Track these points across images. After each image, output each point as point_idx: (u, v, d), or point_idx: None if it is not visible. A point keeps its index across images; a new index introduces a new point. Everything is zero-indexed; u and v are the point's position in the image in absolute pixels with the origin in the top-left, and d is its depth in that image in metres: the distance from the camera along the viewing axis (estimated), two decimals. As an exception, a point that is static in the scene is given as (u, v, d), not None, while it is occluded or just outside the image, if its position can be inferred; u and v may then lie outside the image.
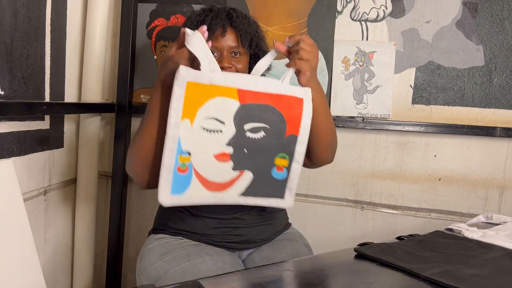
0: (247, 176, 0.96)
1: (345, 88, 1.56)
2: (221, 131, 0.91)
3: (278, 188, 0.99)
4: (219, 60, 1.07)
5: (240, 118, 0.92)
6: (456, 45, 1.51)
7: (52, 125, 1.39)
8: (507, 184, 1.53)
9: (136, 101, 1.64)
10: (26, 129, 1.25)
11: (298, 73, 0.96)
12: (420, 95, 1.54)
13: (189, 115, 0.89)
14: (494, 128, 1.48)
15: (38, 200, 1.37)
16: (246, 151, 0.94)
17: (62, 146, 1.48)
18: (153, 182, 0.95)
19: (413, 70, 1.54)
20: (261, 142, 0.95)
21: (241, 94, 0.92)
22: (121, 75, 1.58)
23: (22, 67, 1.21)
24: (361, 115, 1.55)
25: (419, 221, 1.60)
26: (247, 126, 0.93)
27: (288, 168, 0.99)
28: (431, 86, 1.53)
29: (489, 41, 1.49)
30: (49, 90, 1.36)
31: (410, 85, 1.54)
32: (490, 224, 1.20)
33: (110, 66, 1.65)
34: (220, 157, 0.92)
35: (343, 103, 1.56)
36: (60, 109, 1.33)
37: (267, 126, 0.94)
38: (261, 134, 0.94)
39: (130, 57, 1.57)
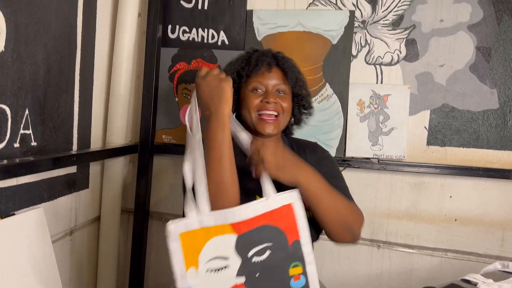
0: None
1: (360, 129, 1.59)
2: (227, 267, 0.91)
3: None
4: (264, 96, 1.12)
5: (242, 248, 0.92)
6: (470, 88, 1.53)
7: (79, 168, 1.45)
8: (524, 226, 1.54)
9: (158, 141, 1.70)
10: (55, 175, 1.32)
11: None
12: (435, 137, 1.57)
13: (192, 263, 0.91)
14: (509, 170, 1.49)
15: (64, 240, 1.43)
16: (258, 275, 0.93)
17: (88, 187, 1.54)
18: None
19: (428, 112, 1.57)
20: (269, 261, 0.94)
21: (235, 226, 0.92)
22: (144, 117, 1.65)
23: (53, 117, 1.29)
24: (377, 156, 1.58)
25: (435, 261, 1.61)
26: (251, 253, 0.93)
27: (305, 273, 0.97)
28: (446, 128, 1.56)
29: (503, 84, 1.51)
30: (76, 135, 1.43)
31: (425, 127, 1.57)
32: (507, 273, 1.21)
33: (133, 107, 1.72)
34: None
35: (358, 145, 1.59)
36: (87, 158, 1.40)
37: (270, 244, 0.94)
38: (267, 253, 0.94)
39: (152, 99, 1.65)
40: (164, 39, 1.69)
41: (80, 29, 1.39)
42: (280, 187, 0.97)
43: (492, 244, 1.56)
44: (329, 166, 1.20)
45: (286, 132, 1.29)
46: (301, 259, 0.97)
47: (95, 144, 1.56)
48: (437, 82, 1.56)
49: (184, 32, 1.68)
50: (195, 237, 0.90)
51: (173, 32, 1.69)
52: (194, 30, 1.67)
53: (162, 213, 1.78)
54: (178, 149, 1.67)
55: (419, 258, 1.61)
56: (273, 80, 1.13)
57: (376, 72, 1.59)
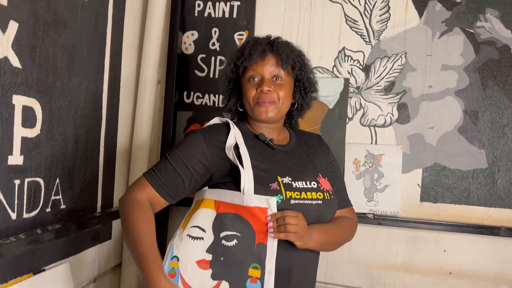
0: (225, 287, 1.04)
1: (357, 187, 1.72)
2: (202, 238, 1.06)
3: None
4: (260, 84, 1.13)
5: (217, 226, 1.06)
6: (459, 149, 1.64)
7: (102, 222, 1.65)
8: (517, 281, 1.60)
9: (173, 195, 1.89)
10: (80, 231, 1.52)
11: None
12: (428, 193, 1.67)
13: (183, 226, 1.13)
14: (498, 228, 1.57)
15: (88, 288, 1.61)
16: (222, 259, 1.03)
17: (110, 238, 1.73)
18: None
19: (420, 170, 1.68)
20: (234, 250, 1.03)
21: (217, 204, 1.09)
22: (161, 174, 1.84)
23: (80, 181, 1.49)
24: (372, 212, 1.70)
25: (433, 312, 1.68)
26: (222, 234, 1.05)
27: (261, 280, 1.02)
28: (438, 185, 1.66)
29: (491, 145, 1.61)
30: (101, 194, 1.63)
31: (418, 184, 1.68)
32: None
33: (152, 163, 1.92)
34: (201, 263, 1.04)
35: (354, 201, 1.70)
36: (108, 218, 1.58)
37: (238, 234, 1.04)
38: (234, 241, 1.04)
39: (169, 158, 1.84)
40: (180, 104, 1.90)
41: (105, 103, 1.61)
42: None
43: (487, 298, 1.62)
44: (337, 166, 1.33)
45: (291, 122, 1.32)
46: (261, 263, 1.03)
47: (118, 198, 1.76)
48: (428, 143, 1.67)
49: (197, 97, 1.89)
50: (196, 204, 1.14)
51: (188, 97, 1.90)
52: (206, 95, 1.88)
53: (178, 260, 1.94)
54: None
55: (416, 309, 1.69)
56: (267, 67, 1.12)
57: (371, 133, 1.73)
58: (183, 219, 1.17)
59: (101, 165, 1.62)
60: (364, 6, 1.73)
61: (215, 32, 1.86)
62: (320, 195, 1.13)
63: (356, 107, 1.74)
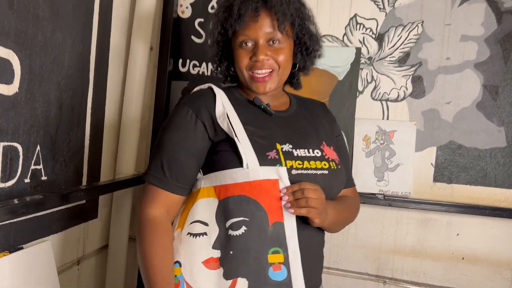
0: (243, 286, 0.85)
1: (366, 165, 1.60)
2: (205, 234, 0.88)
3: None
4: (254, 52, 0.96)
5: (221, 216, 0.89)
6: (477, 126, 1.53)
7: (88, 200, 1.49)
8: (534, 267, 1.51)
9: (166, 172, 1.73)
10: (64, 207, 1.36)
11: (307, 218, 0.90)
12: (442, 174, 1.56)
13: (181, 225, 0.93)
14: (517, 210, 1.47)
15: (72, 270, 1.46)
16: (231, 253, 0.86)
17: (96, 217, 1.57)
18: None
19: (434, 149, 1.56)
20: (244, 238, 0.86)
21: (217, 190, 0.91)
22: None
23: (63, 151, 1.33)
24: (382, 192, 1.58)
25: (442, 299, 1.58)
26: (228, 223, 0.88)
27: (286, 264, 0.86)
28: (453, 165, 1.55)
29: (511, 123, 1.51)
30: (87, 167, 1.47)
31: (431, 164, 1.57)
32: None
33: (143, 138, 1.76)
34: (209, 263, 0.87)
35: (364, 180, 1.60)
36: (94, 193, 1.43)
37: (246, 219, 0.87)
38: (243, 229, 0.86)
39: (162, 131, 1.68)
40: (175, 73, 1.74)
41: (93, 65, 1.45)
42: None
43: (501, 284, 1.53)
44: (343, 141, 1.19)
45: (292, 81, 1.14)
46: (282, 245, 0.86)
47: (105, 174, 1.60)
48: (444, 119, 1.56)
49: (194, 66, 1.73)
50: (190, 197, 0.96)
51: (183, 66, 1.74)
52: (204, 64, 1.72)
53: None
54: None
55: (425, 296, 1.59)
56: (262, 30, 0.94)
57: (382, 108, 1.60)
58: (177, 218, 0.97)
59: (87, 135, 1.46)
60: (379, -31, 1.59)
61: (215, -6, 1.70)
62: (325, 164, 0.97)
63: (367, 79, 1.61)
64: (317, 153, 0.98)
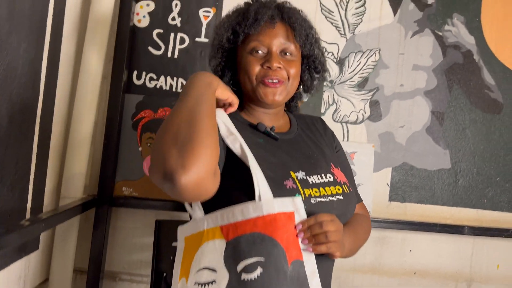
0: None
1: (329, 185, 1.62)
2: (214, 282, 0.78)
3: None
4: (266, 59, 0.93)
5: (231, 259, 0.79)
6: (426, 149, 1.65)
7: (32, 230, 1.28)
8: (474, 278, 1.66)
9: (116, 194, 1.57)
10: (6, 241, 1.14)
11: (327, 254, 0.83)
12: (396, 193, 1.65)
13: (185, 273, 0.83)
14: (462, 226, 1.61)
15: (10, 314, 1.23)
16: None
17: (38, 248, 1.36)
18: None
19: (390, 169, 1.65)
20: (261, 282, 0.76)
21: (224, 230, 0.81)
22: (104, 168, 1.52)
23: (11, 173, 1.13)
24: (344, 212, 1.62)
25: (395, 313, 1.66)
26: (240, 267, 0.78)
27: None
28: (406, 185, 1.65)
29: (454, 146, 1.66)
30: (32, 191, 1.26)
31: (387, 184, 1.65)
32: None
33: (92, 156, 1.57)
34: None
35: (327, 200, 1.62)
36: (37, 229, 1.15)
37: (261, 259, 0.78)
38: (258, 271, 0.77)
39: (114, 150, 1.53)
40: (129, 85, 1.59)
41: (44, 74, 1.26)
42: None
43: (447, 296, 1.66)
44: (344, 155, 1.14)
45: (291, 104, 1.12)
46: (303, 285, 0.79)
47: (49, 197, 1.39)
48: (398, 142, 1.65)
49: (151, 79, 1.61)
50: (193, 241, 0.84)
51: (138, 78, 1.60)
52: (162, 77, 1.61)
53: (116, 272, 1.62)
54: (140, 203, 1.56)
55: (381, 311, 1.65)
56: (277, 39, 0.93)
57: (343, 130, 1.65)
58: (178, 266, 0.86)
59: (34, 153, 1.26)
60: (341, -4, 1.66)
61: (176, 5, 1.61)
62: (339, 189, 0.94)
63: (329, 101, 1.65)
64: (330, 177, 0.95)
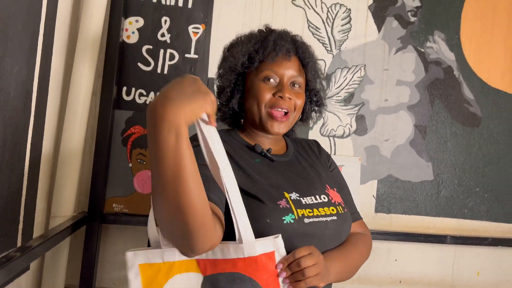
0: None
1: (318, 199, 1.66)
2: None
3: None
4: (278, 89, 0.97)
5: None
6: (410, 161, 1.71)
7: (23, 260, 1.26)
8: (455, 285, 1.73)
9: (107, 211, 1.57)
10: None
11: None
12: (382, 205, 1.71)
13: None
14: (445, 236, 1.68)
15: (2, 337, 1.21)
16: None
17: (28, 269, 1.34)
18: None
19: (375, 182, 1.70)
20: None
21: (201, 264, 0.79)
22: (94, 185, 1.51)
23: (3, 196, 1.12)
24: (332, 224, 1.66)
25: (382, 321, 1.71)
26: None
27: None
28: (391, 196, 1.71)
29: (437, 159, 1.72)
30: (23, 214, 1.25)
31: (373, 196, 1.70)
32: None
33: (82, 172, 1.56)
34: None
35: (315, 213, 1.66)
36: (28, 259, 1.10)
37: None
38: None
39: (104, 166, 1.52)
40: (118, 101, 1.59)
41: (35, 95, 1.25)
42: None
43: (431, 303, 1.72)
44: (339, 175, 1.18)
45: (290, 130, 1.17)
46: None
47: (39, 217, 1.38)
48: (383, 155, 1.71)
49: (141, 95, 1.61)
50: (156, 272, 0.78)
51: (128, 94, 1.60)
52: (152, 93, 1.61)
53: (107, 288, 1.62)
54: (131, 219, 1.56)
55: (368, 320, 1.70)
56: (290, 71, 0.99)
57: (330, 144, 1.70)
58: None
59: (26, 174, 1.25)
60: (327, 14, 1.70)
61: (165, 21, 1.62)
62: (333, 210, 0.98)
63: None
64: (324, 198, 0.98)
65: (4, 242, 1.14)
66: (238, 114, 1.10)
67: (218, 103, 1.09)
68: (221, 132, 1.02)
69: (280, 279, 0.81)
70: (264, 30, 1.07)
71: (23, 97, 1.17)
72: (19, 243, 1.24)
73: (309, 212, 0.93)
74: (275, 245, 0.81)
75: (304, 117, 1.15)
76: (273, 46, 0.98)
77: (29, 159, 1.26)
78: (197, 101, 0.65)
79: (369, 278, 1.70)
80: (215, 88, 1.13)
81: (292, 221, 0.89)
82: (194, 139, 0.79)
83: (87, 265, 1.50)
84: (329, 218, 0.96)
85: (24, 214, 1.26)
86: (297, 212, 0.91)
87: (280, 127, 1.00)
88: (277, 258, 0.82)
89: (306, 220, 0.91)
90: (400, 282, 1.71)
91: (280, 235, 0.83)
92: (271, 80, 0.99)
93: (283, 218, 0.89)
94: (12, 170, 1.15)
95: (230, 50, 1.06)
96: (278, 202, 0.91)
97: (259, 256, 0.79)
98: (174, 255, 0.79)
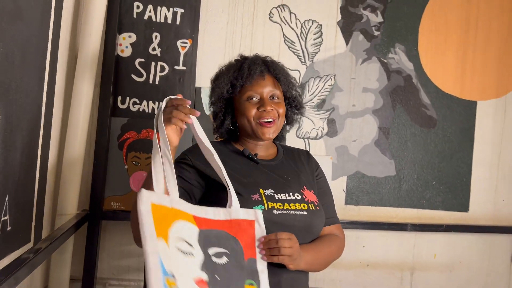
0: None
1: (294, 194, 1.87)
2: (192, 255, 0.92)
3: None
4: (261, 104, 1.18)
5: (203, 242, 0.95)
6: (375, 159, 1.94)
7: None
8: (415, 267, 1.97)
9: (106, 209, 1.74)
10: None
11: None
12: (351, 198, 1.93)
13: (162, 235, 0.88)
14: (406, 224, 1.92)
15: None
16: (218, 278, 0.94)
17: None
18: None
19: (345, 178, 1.93)
20: (227, 268, 0.95)
21: (197, 220, 0.96)
22: (95, 186, 1.68)
23: (22, 198, 1.28)
24: (307, 216, 1.88)
25: (352, 300, 1.95)
26: (211, 251, 0.95)
27: None
28: (359, 190, 1.93)
29: (398, 156, 1.96)
30: (35, 213, 1.41)
31: (343, 190, 1.93)
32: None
33: (86, 175, 1.72)
34: (200, 283, 0.91)
35: (293, 207, 1.87)
36: (40, 259, 1.20)
37: (227, 251, 0.96)
38: (225, 259, 0.96)
39: (103, 169, 1.69)
40: (114, 109, 1.76)
41: (44, 107, 1.41)
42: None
43: (394, 283, 1.96)
44: (325, 183, 1.37)
45: (278, 135, 1.32)
46: (255, 278, 0.98)
47: (47, 215, 1.55)
48: (351, 154, 1.93)
49: (134, 103, 1.78)
50: (165, 213, 0.91)
51: (123, 103, 1.78)
52: (144, 102, 1.79)
53: (106, 278, 1.80)
54: (127, 216, 1.73)
55: (340, 300, 1.93)
56: (267, 88, 1.19)
57: (305, 145, 1.91)
58: (150, 223, 0.87)
59: (37, 177, 1.41)
60: (301, 29, 1.90)
61: (156, 37, 1.79)
62: (304, 206, 1.15)
63: (293, 120, 1.90)
64: (297, 196, 1.18)
65: (22, 237, 1.31)
66: (233, 131, 1.29)
67: (214, 125, 1.30)
68: (216, 143, 1.24)
69: (257, 244, 1.01)
70: (240, 59, 1.27)
71: (35, 110, 1.34)
72: (32, 238, 1.41)
73: (280, 205, 1.13)
74: (255, 215, 1.03)
75: (289, 121, 1.33)
76: (248, 71, 1.19)
77: (40, 164, 1.42)
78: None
79: (340, 262, 1.91)
80: (211, 116, 1.31)
81: (261, 211, 1.07)
82: (181, 157, 1.15)
83: (89, 258, 1.68)
84: (299, 212, 1.14)
85: (36, 212, 1.43)
86: (267, 204, 1.11)
87: (270, 132, 1.19)
88: (256, 227, 1.02)
89: (275, 212, 1.11)
90: (367, 265, 1.95)
91: (260, 208, 1.06)
92: (254, 98, 1.19)
93: (254, 207, 1.07)
94: (26, 175, 1.31)
95: (216, 81, 1.26)
96: (252, 195, 1.12)
97: (242, 220, 1.01)
98: (179, 205, 0.96)
